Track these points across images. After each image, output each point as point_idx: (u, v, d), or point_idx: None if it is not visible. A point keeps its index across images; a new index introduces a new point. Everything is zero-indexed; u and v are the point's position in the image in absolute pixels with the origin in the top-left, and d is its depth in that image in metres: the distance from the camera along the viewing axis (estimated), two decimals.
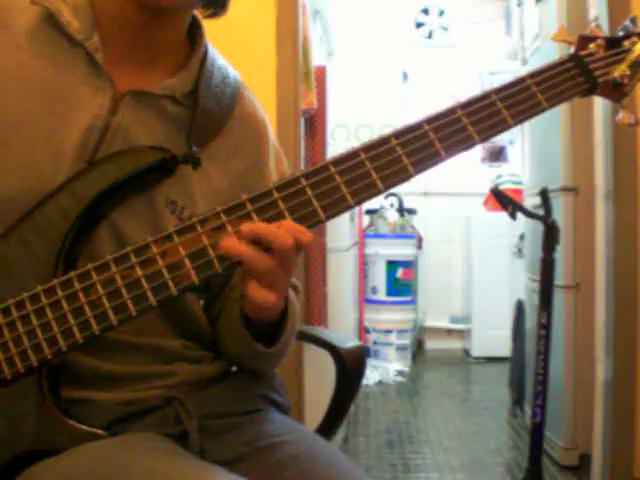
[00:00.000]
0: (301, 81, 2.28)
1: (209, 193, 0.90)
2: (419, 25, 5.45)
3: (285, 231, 0.74)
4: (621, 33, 0.86)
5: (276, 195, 0.77)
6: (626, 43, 0.85)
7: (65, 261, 0.80)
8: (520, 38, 3.87)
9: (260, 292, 0.77)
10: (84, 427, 0.79)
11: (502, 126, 0.80)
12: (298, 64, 2.21)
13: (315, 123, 2.75)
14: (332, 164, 0.78)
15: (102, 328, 0.78)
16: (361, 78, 5.05)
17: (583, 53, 0.84)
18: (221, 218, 0.77)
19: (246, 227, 0.75)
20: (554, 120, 2.78)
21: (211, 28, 0.97)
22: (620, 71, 0.84)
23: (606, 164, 2.35)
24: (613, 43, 0.85)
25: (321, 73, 2.84)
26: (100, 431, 0.80)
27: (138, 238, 0.79)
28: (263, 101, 1.01)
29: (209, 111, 0.90)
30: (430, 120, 0.79)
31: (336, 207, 0.77)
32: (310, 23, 2.68)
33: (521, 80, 0.81)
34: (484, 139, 0.80)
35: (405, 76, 5.33)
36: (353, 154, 0.78)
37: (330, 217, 0.78)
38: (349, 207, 0.78)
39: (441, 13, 5.44)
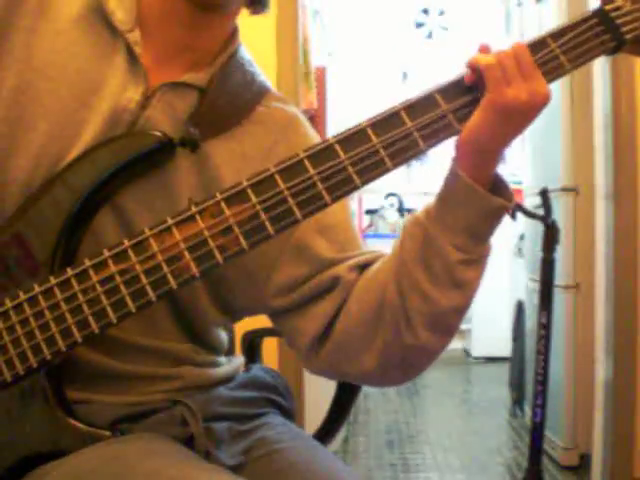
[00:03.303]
0: (301, 81, 2.28)
1: None
2: (419, 25, 5.45)
3: None
4: None
5: (277, 176, 0.75)
6: None
7: (62, 256, 0.78)
8: (520, 38, 3.87)
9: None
10: (88, 428, 0.78)
11: None
12: (298, 64, 2.21)
13: (315, 123, 2.75)
14: (337, 142, 0.75)
15: (101, 326, 0.76)
16: (361, 78, 5.06)
17: (608, 7, 0.75)
18: (220, 206, 0.75)
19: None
20: (554, 120, 2.78)
21: None
22: None
23: (606, 164, 2.35)
24: None
25: (321, 73, 2.84)
26: (104, 432, 0.79)
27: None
28: None
29: (219, 105, 0.87)
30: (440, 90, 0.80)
31: (341, 189, 0.76)
32: (310, 23, 2.68)
33: (543, 40, 0.76)
34: None
35: (405, 76, 5.33)
36: (361, 131, 0.76)
37: (336, 199, 0.76)
38: (355, 188, 0.76)
39: (441, 13, 5.44)
